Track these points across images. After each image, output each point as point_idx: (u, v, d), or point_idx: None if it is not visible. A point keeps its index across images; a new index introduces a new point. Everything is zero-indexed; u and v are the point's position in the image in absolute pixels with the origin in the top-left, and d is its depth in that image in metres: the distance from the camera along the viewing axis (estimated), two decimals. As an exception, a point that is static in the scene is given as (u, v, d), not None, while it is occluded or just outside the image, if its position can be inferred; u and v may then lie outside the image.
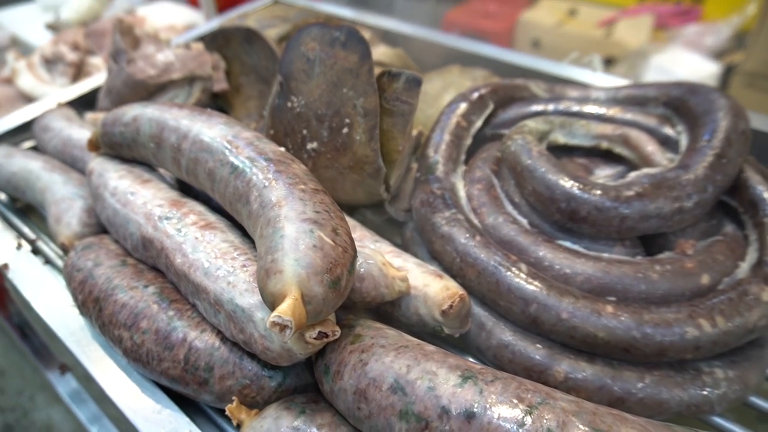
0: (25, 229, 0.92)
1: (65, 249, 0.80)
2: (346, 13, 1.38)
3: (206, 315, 0.61)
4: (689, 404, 0.59)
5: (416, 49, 1.25)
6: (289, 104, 0.81)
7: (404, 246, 0.82)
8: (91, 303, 0.67)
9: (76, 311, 0.73)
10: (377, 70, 0.77)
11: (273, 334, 0.53)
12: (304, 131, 0.80)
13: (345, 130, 0.76)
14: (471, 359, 0.53)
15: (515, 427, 0.43)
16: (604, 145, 0.82)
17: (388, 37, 1.29)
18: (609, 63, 4.08)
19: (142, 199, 0.71)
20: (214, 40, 1.09)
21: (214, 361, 0.59)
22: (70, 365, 0.93)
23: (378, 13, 1.30)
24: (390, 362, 0.50)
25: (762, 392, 0.65)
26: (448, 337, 0.70)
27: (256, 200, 0.58)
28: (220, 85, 1.09)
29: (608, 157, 0.83)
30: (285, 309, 0.46)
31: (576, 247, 0.71)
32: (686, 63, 3.55)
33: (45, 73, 1.50)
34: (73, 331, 0.71)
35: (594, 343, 0.61)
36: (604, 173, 0.82)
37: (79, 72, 1.49)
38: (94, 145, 0.81)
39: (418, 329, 0.66)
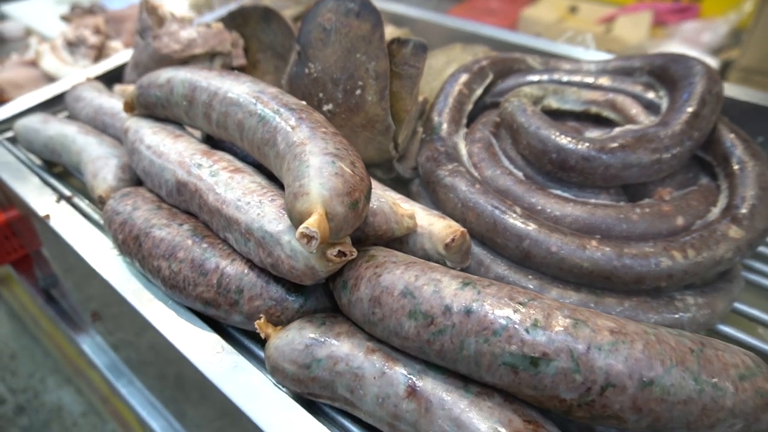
0: (62, 188, 1.00)
1: (102, 201, 0.88)
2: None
3: (237, 245, 0.69)
4: (662, 325, 0.67)
5: (421, 31, 1.33)
6: (307, 71, 0.89)
7: (416, 198, 0.90)
8: (131, 240, 0.75)
9: (115, 253, 0.81)
10: (387, 39, 0.85)
11: (298, 253, 0.61)
12: (321, 94, 0.88)
13: (358, 92, 0.84)
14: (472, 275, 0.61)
15: (507, 318, 0.51)
16: (594, 109, 0.90)
17: (395, 20, 1.37)
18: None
19: (175, 150, 0.79)
20: (233, 19, 1.17)
21: (244, 285, 0.67)
22: (102, 313, 1.00)
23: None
24: (401, 273, 0.58)
25: (729, 321, 0.73)
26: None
27: (283, 142, 0.66)
28: (239, 60, 1.17)
29: (597, 120, 0.91)
30: (312, 222, 0.54)
31: (566, 194, 0.79)
32: (683, 59, 3.63)
33: (68, 55, 1.59)
34: (111, 266, 0.79)
35: (580, 273, 0.69)
36: (593, 135, 0.89)
37: (100, 54, 1.57)
38: (130, 107, 0.89)
39: (423, 264, 0.74)
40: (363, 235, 0.70)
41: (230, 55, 1.17)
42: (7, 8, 2.93)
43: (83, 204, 0.96)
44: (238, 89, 0.75)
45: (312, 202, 0.56)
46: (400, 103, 0.85)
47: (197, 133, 0.91)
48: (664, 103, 0.85)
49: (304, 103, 0.73)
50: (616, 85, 0.91)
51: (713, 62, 2.79)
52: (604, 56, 1.11)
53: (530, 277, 0.72)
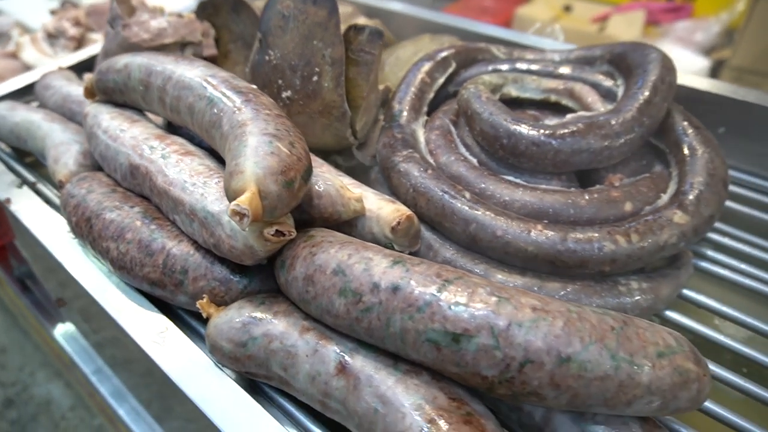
0: (27, 174, 1.00)
1: (62, 185, 0.88)
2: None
3: (183, 226, 0.69)
4: (605, 309, 0.67)
5: (395, 22, 1.33)
6: (267, 58, 0.89)
7: (373, 185, 0.90)
8: (84, 223, 0.76)
9: (70, 237, 0.82)
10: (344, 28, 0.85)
11: (237, 233, 0.61)
12: (280, 81, 0.88)
13: (315, 78, 0.84)
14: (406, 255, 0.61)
15: (432, 295, 0.51)
16: (553, 98, 0.90)
17: (370, 12, 1.37)
18: (602, 58, 4.15)
19: (130, 134, 0.80)
20: (204, 9, 1.18)
21: (189, 265, 0.68)
22: (65, 298, 1.01)
23: None
24: (335, 252, 0.58)
25: (675, 306, 0.73)
26: (401, 259, 0.79)
27: (227, 123, 0.66)
28: (210, 50, 1.18)
29: (557, 109, 0.91)
30: (243, 199, 0.55)
31: (517, 180, 0.79)
32: (676, 58, 3.62)
33: (48, 47, 1.59)
34: (69, 253, 0.79)
35: (525, 257, 0.69)
36: (551, 123, 0.90)
37: (79, 46, 1.58)
38: (90, 93, 0.90)
39: (372, 248, 0.74)
40: (309, 218, 0.70)
41: (201, 44, 1.17)
42: (1, 3, 2.93)
43: (47, 190, 0.97)
44: (191, 73, 0.75)
45: (246, 180, 0.57)
46: (356, 89, 0.85)
47: (158, 120, 0.92)
48: (620, 91, 0.85)
49: (254, 87, 0.73)
50: (576, 73, 0.92)
51: (706, 62, 2.79)
52: (570, 48, 1.11)
53: (477, 261, 0.72)
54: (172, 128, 0.86)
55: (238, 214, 0.55)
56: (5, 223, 1.14)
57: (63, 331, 1.30)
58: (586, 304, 0.65)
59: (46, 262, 0.91)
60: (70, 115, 1.04)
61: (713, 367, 0.66)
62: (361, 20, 1.22)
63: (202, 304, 0.65)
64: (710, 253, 0.81)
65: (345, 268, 0.56)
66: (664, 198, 0.75)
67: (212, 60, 1.20)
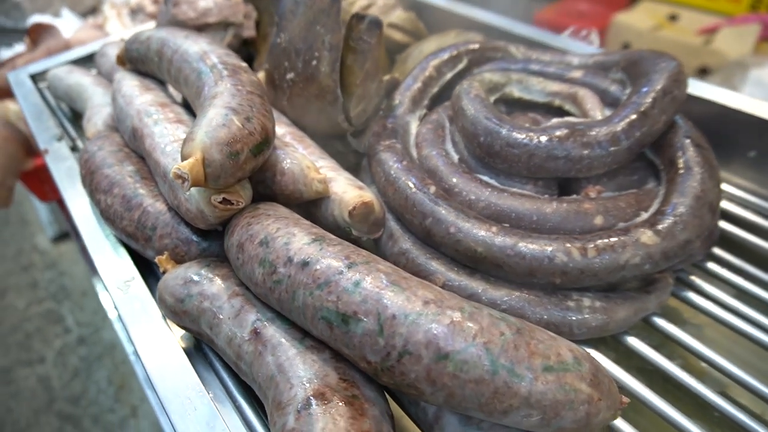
0: (71, 130, 1.12)
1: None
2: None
3: (159, 187, 0.75)
4: (548, 323, 0.65)
5: (435, 16, 1.33)
6: (279, 40, 0.93)
7: (361, 172, 0.92)
8: (88, 175, 0.84)
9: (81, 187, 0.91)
10: (344, 11, 0.87)
11: (192, 198, 0.66)
12: (286, 63, 0.92)
13: (314, 62, 0.87)
14: (333, 235, 0.62)
15: (334, 274, 0.53)
16: (557, 102, 0.86)
17: (413, 4, 1.38)
18: (703, 73, 3.84)
19: (141, 100, 0.87)
20: (249, -8, 1.24)
21: (158, 223, 0.73)
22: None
23: (474, 4, 1.33)
24: (267, 225, 0.61)
25: (638, 334, 0.69)
26: (367, 243, 0.80)
27: (204, 95, 0.71)
28: (249, 32, 1.24)
29: (561, 114, 0.87)
30: (185, 164, 0.59)
31: (492, 181, 0.77)
32: (791, 81, 3.27)
33: (129, 21, 1.75)
34: (76, 200, 0.89)
35: (474, 257, 0.68)
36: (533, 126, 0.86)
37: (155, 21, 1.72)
38: (121, 60, 0.98)
39: (333, 230, 0.76)
40: (272, 193, 0.73)
41: (242, 26, 1.24)
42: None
43: (81, 145, 1.08)
44: (193, 48, 0.81)
45: (193, 147, 0.61)
46: (352, 76, 0.87)
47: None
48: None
49: (244, 65, 0.77)
50: (587, 79, 0.87)
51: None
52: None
53: (430, 256, 0.71)
54: (184, 99, 0.93)
55: (180, 177, 0.59)
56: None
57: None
58: (529, 314, 0.64)
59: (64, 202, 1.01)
60: (116, 81, 1.15)
61: (653, 396, 0.61)
62: (396, 12, 1.23)
63: (161, 260, 0.70)
64: (705, 285, 0.75)
65: (270, 240, 0.59)
66: (643, 216, 0.70)
67: (251, 41, 1.27)
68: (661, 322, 0.70)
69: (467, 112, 0.78)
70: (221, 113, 0.63)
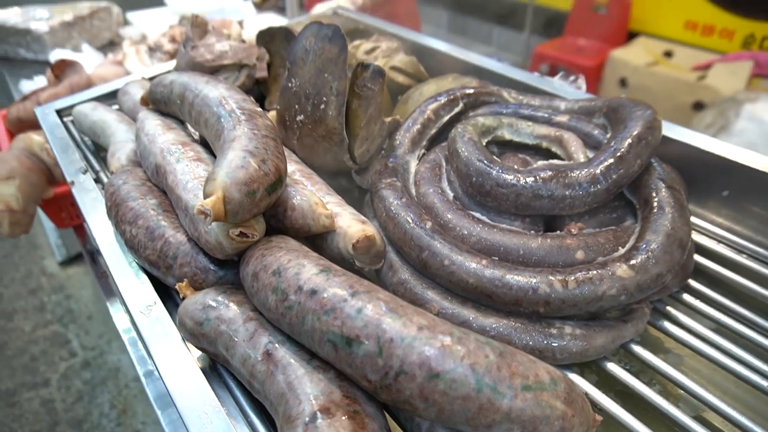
0: (95, 163, 1.21)
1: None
2: (388, 28, 1.59)
3: (181, 219, 0.83)
4: (533, 348, 0.71)
5: (435, 60, 1.42)
6: (290, 84, 1.02)
7: (364, 207, 0.99)
8: (114, 207, 0.92)
9: (106, 217, 0.98)
10: (350, 61, 0.96)
11: (212, 231, 0.73)
12: (296, 106, 1.01)
13: (322, 106, 0.96)
14: (338, 267, 0.68)
15: (339, 301, 0.59)
16: (544, 144, 0.94)
17: (414, 48, 1.47)
18: (697, 107, 3.95)
19: (163, 138, 0.95)
20: (262, 36, 1.34)
21: (179, 253, 0.80)
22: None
23: (476, 40, 1.43)
24: (279, 256, 0.68)
25: (618, 361, 0.75)
26: (369, 273, 0.87)
27: (224, 138, 0.79)
28: (261, 73, 1.34)
29: (549, 155, 0.95)
30: (208, 201, 0.66)
31: (482, 217, 0.84)
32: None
33: (147, 58, 1.86)
34: (101, 229, 0.96)
35: (466, 287, 0.74)
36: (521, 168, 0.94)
37: (172, 58, 1.83)
38: (145, 101, 1.07)
39: (338, 261, 0.83)
40: (283, 227, 0.80)
41: (255, 67, 1.33)
42: (131, 15, 3.38)
43: (105, 178, 1.16)
44: (213, 93, 0.89)
45: (215, 186, 0.68)
46: (356, 120, 0.95)
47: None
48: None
49: (259, 109, 0.86)
50: (572, 123, 0.95)
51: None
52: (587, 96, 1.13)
53: (426, 286, 0.78)
54: (203, 138, 1.01)
55: (203, 213, 0.66)
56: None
57: (116, 302, 1.50)
58: (515, 340, 0.70)
59: (89, 231, 1.09)
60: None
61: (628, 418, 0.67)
62: (399, 56, 1.32)
63: (181, 287, 0.77)
64: (680, 315, 0.81)
65: (282, 271, 0.66)
66: (620, 251, 0.77)
67: (263, 81, 1.36)
68: (638, 349, 0.76)
69: (461, 154, 0.86)
70: (240, 155, 0.71)
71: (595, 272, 0.71)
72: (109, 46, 2.96)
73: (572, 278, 0.71)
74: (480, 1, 5.95)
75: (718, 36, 4.23)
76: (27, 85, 2.38)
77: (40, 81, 2.38)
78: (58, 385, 3.13)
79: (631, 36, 4.62)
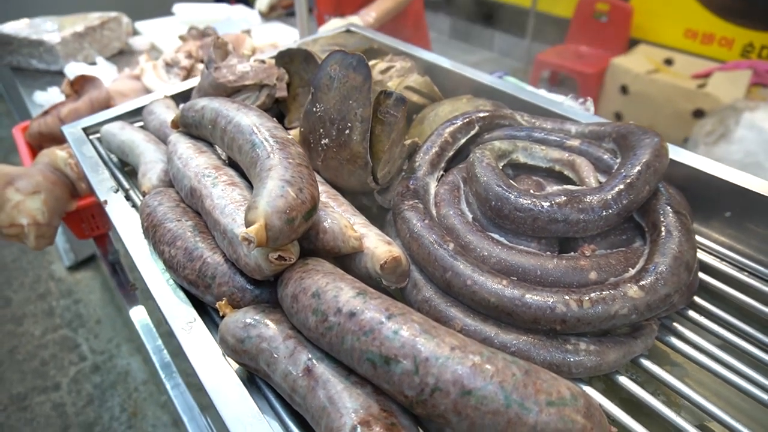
0: (123, 181, 1.26)
1: (144, 194, 1.11)
2: (401, 47, 1.64)
3: (218, 241, 0.88)
4: (551, 363, 0.77)
5: (449, 80, 1.48)
6: (315, 109, 1.08)
7: (385, 226, 1.05)
8: (151, 228, 0.97)
9: (142, 237, 1.04)
10: (374, 87, 1.02)
11: (251, 254, 0.79)
12: (321, 130, 1.06)
13: (347, 131, 1.01)
14: (372, 289, 0.74)
15: (377, 323, 0.65)
16: (557, 167, 1.00)
17: (428, 67, 1.53)
18: (698, 115, 4.02)
19: (196, 162, 1.01)
20: (281, 58, 1.40)
21: (217, 273, 0.86)
22: (137, 285, 1.24)
23: (478, 46, 1.48)
24: (317, 279, 0.74)
25: (628, 373, 0.80)
26: (394, 291, 0.92)
27: (259, 166, 0.84)
28: (281, 93, 1.39)
29: (561, 178, 1.01)
30: (251, 230, 0.72)
31: (501, 238, 0.90)
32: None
33: (164, 73, 1.91)
34: (138, 248, 1.01)
35: (487, 306, 0.80)
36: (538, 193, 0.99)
37: (188, 75, 1.88)
38: (175, 124, 1.13)
39: (365, 279, 0.89)
40: (315, 248, 0.86)
41: (275, 87, 1.39)
42: (139, 25, 3.44)
43: (135, 196, 1.21)
44: (246, 120, 0.95)
45: (257, 214, 0.74)
46: (379, 144, 1.01)
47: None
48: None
49: (290, 137, 0.91)
50: (583, 147, 1.01)
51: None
52: (596, 120, 1.19)
53: (449, 304, 0.84)
54: (231, 160, 1.07)
55: (247, 240, 0.72)
56: (106, 216, 1.42)
57: (137, 311, 1.56)
58: (534, 356, 0.76)
59: (125, 252, 1.14)
60: (163, 137, 1.29)
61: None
62: (413, 76, 1.38)
63: (221, 305, 0.83)
64: (685, 331, 0.86)
65: (321, 293, 0.71)
66: (630, 272, 0.82)
67: (282, 101, 1.42)
68: (646, 362, 0.82)
69: (480, 179, 0.92)
70: (278, 185, 0.77)
71: (607, 293, 0.77)
72: (120, 55, 3.02)
73: (587, 298, 0.77)
74: (482, 8, 6.02)
75: (717, 44, 4.29)
76: (41, 96, 2.44)
77: (53, 92, 2.44)
78: (68, 388, 3.18)
79: (632, 43, 4.69)
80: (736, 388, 0.79)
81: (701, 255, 0.99)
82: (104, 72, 2.25)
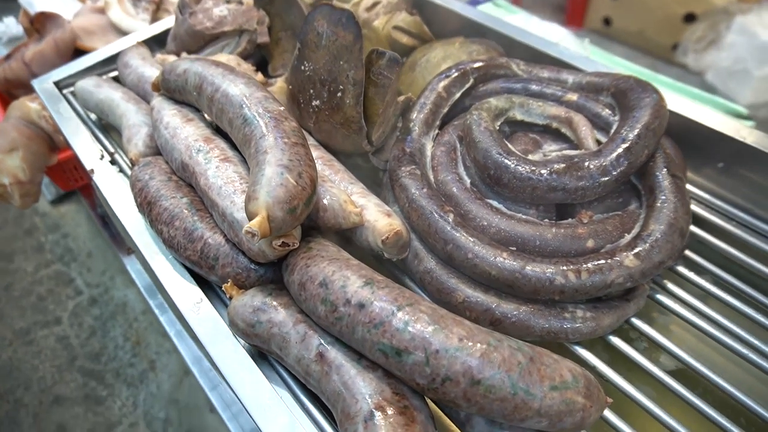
0: (107, 143, 1.22)
1: (132, 163, 1.08)
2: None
3: (217, 221, 0.88)
4: (549, 331, 0.81)
5: (439, 16, 1.40)
6: (303, 67, 1.03)
7: (381, 189, 1.04)
8: (145, 205, 0.95)
9: (136, 210, 1.02)
10: (366, 47, 0.96)
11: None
12: (311, 91, 1.02)
13: (339, 94, 0.97)
14: (378, 274, 0.75)
15: (387, 315, 0.67)
16: (554, 125, 0.99)
17: (417, 2, 1.44)
18: (689, 19, 3.89)
19: (185, 133, 0.97)
20: (260, -1, 1.30)
21: (220, 254, 0.86)
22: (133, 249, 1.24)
23: None
24: (323, 267, 0.75)
25: (619, 332, 0.85)
26: (392, 261, 0.94)
27: (254, 146, 0.82)
28: (263, 38, 1.31)
29: (558, 135, 1.00)
30: (254, 223, 0.71)
31: (500, 206, 0.91)
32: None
33: (131, 7, 1.77)
34: (133, 222, 1.00)
35: (489, 278, 0.82)
36: (549, 148, 0.99)
37: (158, 9, 1.75)
38: (157, 87, 1.07)
39: (367, 252, 0.90)
40: (315, 225, 0.86)
41: (256, 32, 1.31)
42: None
43: (122, 160, 1.18)
44: (234, 89, 0.90)
45: (258, 206, 0.73)
46: (373, 107, 0.98)
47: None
48: (614, 127, 0.93)
49: (282, 109, 0.88)
50: (581, 102, 0.99)
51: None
52: (593, 64, 1.15)
53: (450, 275, 0.86)
54: (219, 129, 1.03)
55: (250, 233, 0.72)
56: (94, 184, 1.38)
57: (133, 261, 1.57)
58: (534, 324, 0.80)
59: (122, 229, 1.13)
60: (143, 94, 1.23)
61: (633, 390, 0.79)
62: (401, 15, 1.30)
63: (227, 288, 0.84)
64: (677, 290, 0.90)
65: (328, 283, 0.73)
66: (627, 238, 0.84)
67: (264, 46, 1.34)
68: (636, 321, 0.87)
69: (479, 145, 0.90)
70: (277, 172, 0.75)
71: (604, 262, 0.80)
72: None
73: (584, 269, 0.79)
74: None
75: (712, -59, 4.05)
76: (-4, 28, 2.27)
77: (10, 22, 2.27)
78: (69, 322, 3.27)
79: (623, -58, 4.40)
80: (717, 342, 0.84)
81: (693, 206, 1.01)
82: (64, 4, 2.08)
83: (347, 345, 0.74)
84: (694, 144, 1.03)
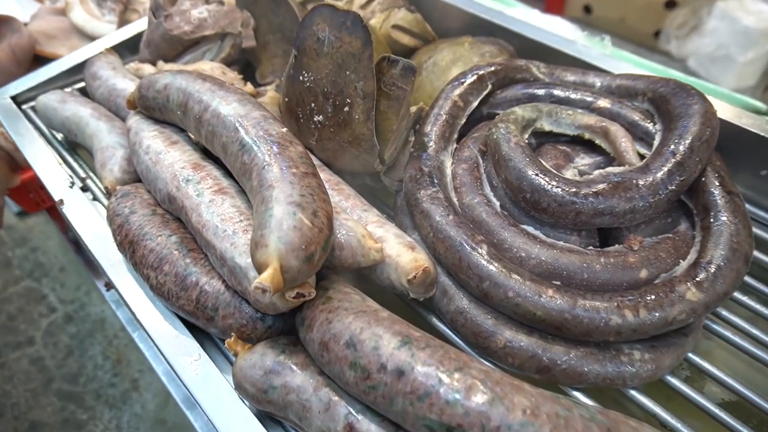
0: (77, 167, 1.07)
1: (108, 192, 0.94)
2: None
3: (215, 266, 0.75)
4: (605, 377, 0.71)
5: (439, 13, 1.28)
6: (301, 78, 0.90)
7: (394, 212, 0.93)
8: (127, 244, 0.82)
9: (114, 248, 0.89)
10: (377, 53, 0.85)
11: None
12: (312, 104, 0.89)
13: (346, 108, 0.85)
14: (414, 328, 0.64)
15: (432, 385, 0.56)
16: (587, 135, 0.88)
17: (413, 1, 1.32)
18: (669, 6, 3.84)
19: (170, 159, 0.84)
20: (244, -1, 1.17)
21: (219, 303, 0.74)
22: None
23: None
24: (349, 323, 0.63)
25: (677, 373, 0.76)
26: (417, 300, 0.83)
27: (256, 178, 0.69)
28: (249, 42, 1.18)
29: (590, 145, 0.89)
30: (265, 277, 0.59)
31: (537, 232, 0.80)
32: (753, 11, 3.32)
33: (95, 8, 1.61)
34: (113, 263, 0.87)
35: (533, 319, 0.72)
36: (582, 162, 0.89)
37: (125, 9, 1.59)
38: (133, 105, 0.93)
39: (389, 290, 0.79)
40: (331, 265, 0.74)
41: (240, 35, 1.17)
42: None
43: (95, 186, 1.04)
44: (226, 109, 0.78)
45: (269, 254, 0.61)
46: (386, 123, 0.86)
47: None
48: (657, 138, 0.83)
49: (284, 131, 0.75)
50: (615, 109, 0.89)
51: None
52: (616, 64, 1.05)
53: (488, 315, 0.75)
54: (208, 152, 0.90)
55: (261, 289, 0.60)
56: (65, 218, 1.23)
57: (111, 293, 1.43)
58: (587, 371, 0.70)
59: (99, 265, 0.99)
60: (115, 108, 1.09)
61: None
62: (401, 13, 1.18)
63: (230, 344, 0.72)
64: (722, 310, 0.82)
65: (356, 343, 0.61)
66: (683, 265, 0.75)
67: (250, 51, 1.21)
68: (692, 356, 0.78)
69: (510, 164, 0.80)
70: (289, 212, 0.63)
71: (664, 297, 0.70)
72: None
73: (642, 306, 0.70)
74: None
75: (692, -75, 4.00)
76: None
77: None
78: (43, 342, 3.08)
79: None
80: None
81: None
82: (19, 4, 1.89)
83: (381, 415, 0.63)
84: (729, 149, 0.94)
